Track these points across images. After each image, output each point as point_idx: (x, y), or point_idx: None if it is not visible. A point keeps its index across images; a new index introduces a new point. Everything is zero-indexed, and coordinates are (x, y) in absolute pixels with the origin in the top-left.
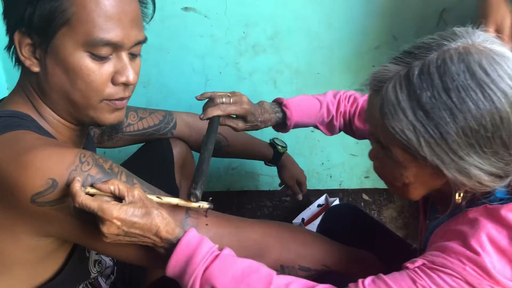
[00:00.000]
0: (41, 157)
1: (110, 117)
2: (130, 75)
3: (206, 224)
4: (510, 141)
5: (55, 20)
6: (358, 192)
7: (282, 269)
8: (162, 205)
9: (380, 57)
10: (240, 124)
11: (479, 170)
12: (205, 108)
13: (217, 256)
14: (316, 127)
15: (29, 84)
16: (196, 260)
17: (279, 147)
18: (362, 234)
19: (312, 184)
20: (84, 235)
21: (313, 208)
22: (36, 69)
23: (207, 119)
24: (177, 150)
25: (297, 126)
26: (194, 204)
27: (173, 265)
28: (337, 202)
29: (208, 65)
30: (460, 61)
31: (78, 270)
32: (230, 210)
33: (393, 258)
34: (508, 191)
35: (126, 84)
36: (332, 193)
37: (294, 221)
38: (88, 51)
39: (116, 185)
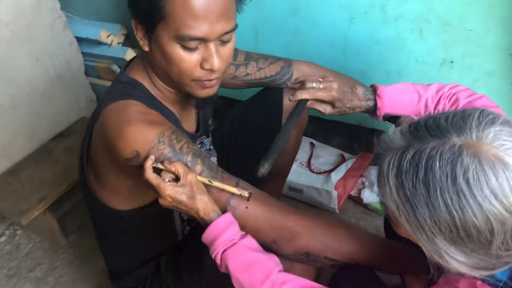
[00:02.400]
0: (132, 132)
1: (202, 92)
2: (214, 63)
3: (246, 207)
4: (489, 245)
5: (154, 16)
6: None
7: (307, 256)
8: (211, 186)
9: None
10: (328, 109)
11: (454, 260)
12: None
13: (234, 243)
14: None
15: (146, 58)
16: (218, 242)
17: None
18: None
19: None
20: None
21: None
22: (146, 48)
23: (296, 101)
24: (287, 101)
25: (390, 115)
26: (236, 191)
27: (205, 239)
28: None
29: (354, 3)
30: (448, 162)
31: None
32: (359, 142)
33: None
34: (510, 276)
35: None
36: None
37: None
38: (179, 43)
39: (177, 167)
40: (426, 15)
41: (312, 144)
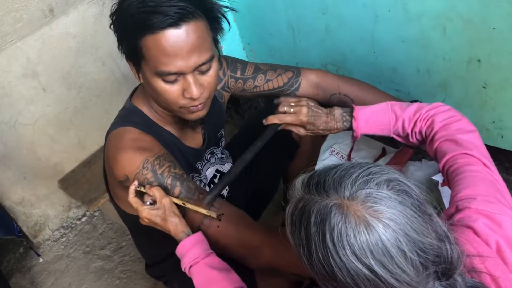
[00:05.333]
0: (123, 158)
1: (191, 116)
2: (193, 92)
3: (218, 226)
4: None
5: (136, 55)
6: None
7: (274, 270)
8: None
9: None
10: (301, 131)
11: None
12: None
13: (197, 262)
14: (392, 138)
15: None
16: (185, 260)
17: None
18: None
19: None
20: None
21: None
22: (141, 81)
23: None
24: None
25: (369, 134)
26: (206, 213)
27: (177, 255)
28: None
29: (378, 1)
30: (320, 220)
31: None
32: None
33: None
34: None
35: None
36: (502, 153)
37: (433, 177)
38: (160, 78)
39: (154, 192)
40: (448, 13)
41: (354, 137)
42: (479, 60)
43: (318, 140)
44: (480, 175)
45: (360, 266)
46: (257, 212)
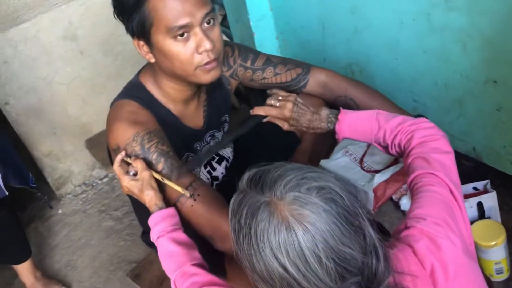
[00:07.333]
0: (117, 129)
1: (207, 77)
2: (206, 44)
3: (192, 205)
4: None
5: (145, 25)
6: None
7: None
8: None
9: None
10: (285, 125)
11: None
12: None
13: (163, 235)
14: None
15: (154, 66)
16: (153, 230)
17: None
18: None
19: (490, 160)
20: None
21: (466, 188)
22: (152, 60)
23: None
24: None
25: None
26: (180, 190)
27: (149, 224)
28: (494, 195)
29: (403, 9)
30: (250, 214)
31: None
32: None
33: None
34: None
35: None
36: (510, 180)
37: None
38: (173, 38)
39: (137, 164)
40: (470, 29)
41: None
42: (495, 82)
43: (321, 137)
44: (438, 197)
45: (275, 262)
46: None
